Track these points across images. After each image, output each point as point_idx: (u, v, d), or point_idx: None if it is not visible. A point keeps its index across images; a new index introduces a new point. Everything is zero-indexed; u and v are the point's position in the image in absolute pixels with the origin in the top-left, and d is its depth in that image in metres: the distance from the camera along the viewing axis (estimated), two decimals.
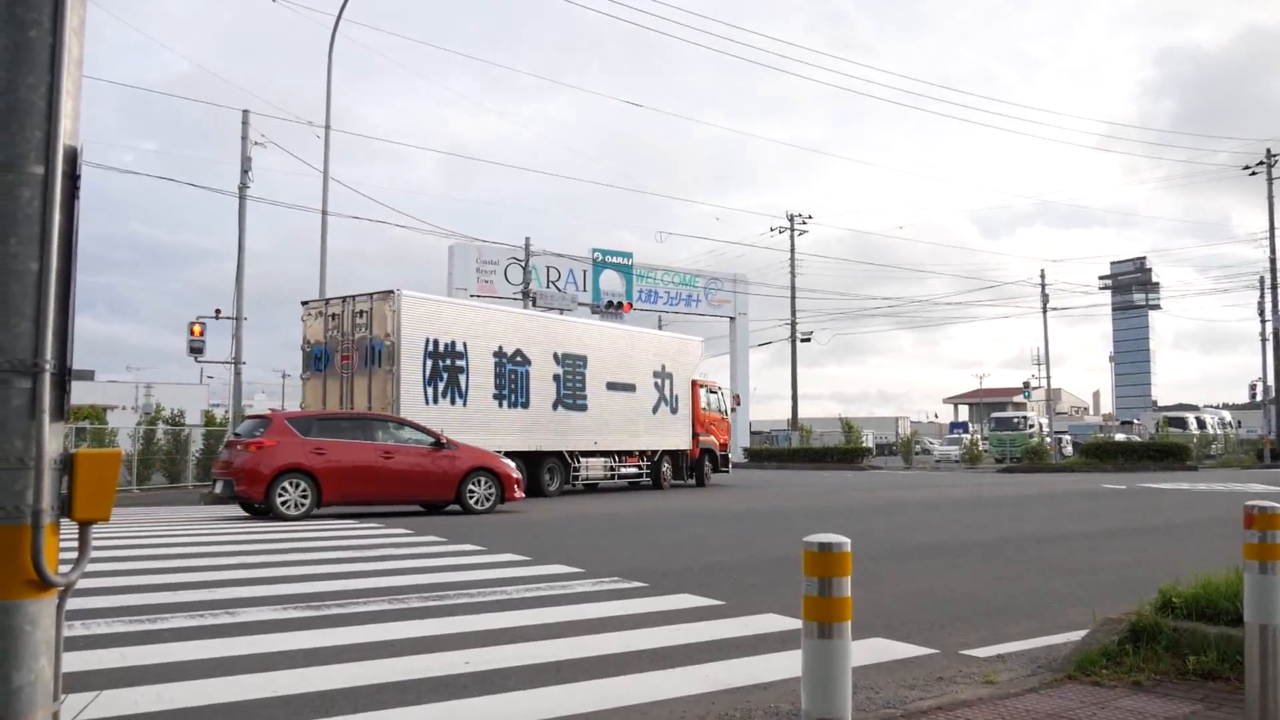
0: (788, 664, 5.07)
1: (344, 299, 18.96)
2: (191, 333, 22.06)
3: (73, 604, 6.78)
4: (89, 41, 2.25)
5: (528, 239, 34.51)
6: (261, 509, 14.40)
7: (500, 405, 19.91)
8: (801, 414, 50.80)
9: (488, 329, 19.89)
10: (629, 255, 41.74)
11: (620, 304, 40.79)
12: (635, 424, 23.10)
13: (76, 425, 25.79)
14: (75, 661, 5.04)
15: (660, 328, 53.50)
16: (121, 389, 63.16)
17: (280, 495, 14.20)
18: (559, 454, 21.16)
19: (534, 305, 34.92)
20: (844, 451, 42.67)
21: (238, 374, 22.60)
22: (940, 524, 13.78)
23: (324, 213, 22.91)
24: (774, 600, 7.12)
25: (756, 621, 6.43)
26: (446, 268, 37.77)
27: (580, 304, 39.90)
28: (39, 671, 2.03)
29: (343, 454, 14.78)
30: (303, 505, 14.35)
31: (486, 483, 15.86)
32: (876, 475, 34.15)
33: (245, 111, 22.38)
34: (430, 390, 18.44)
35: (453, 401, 18.87)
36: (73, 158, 2.12)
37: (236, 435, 16.04)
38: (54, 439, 2.07)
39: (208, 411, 35.40)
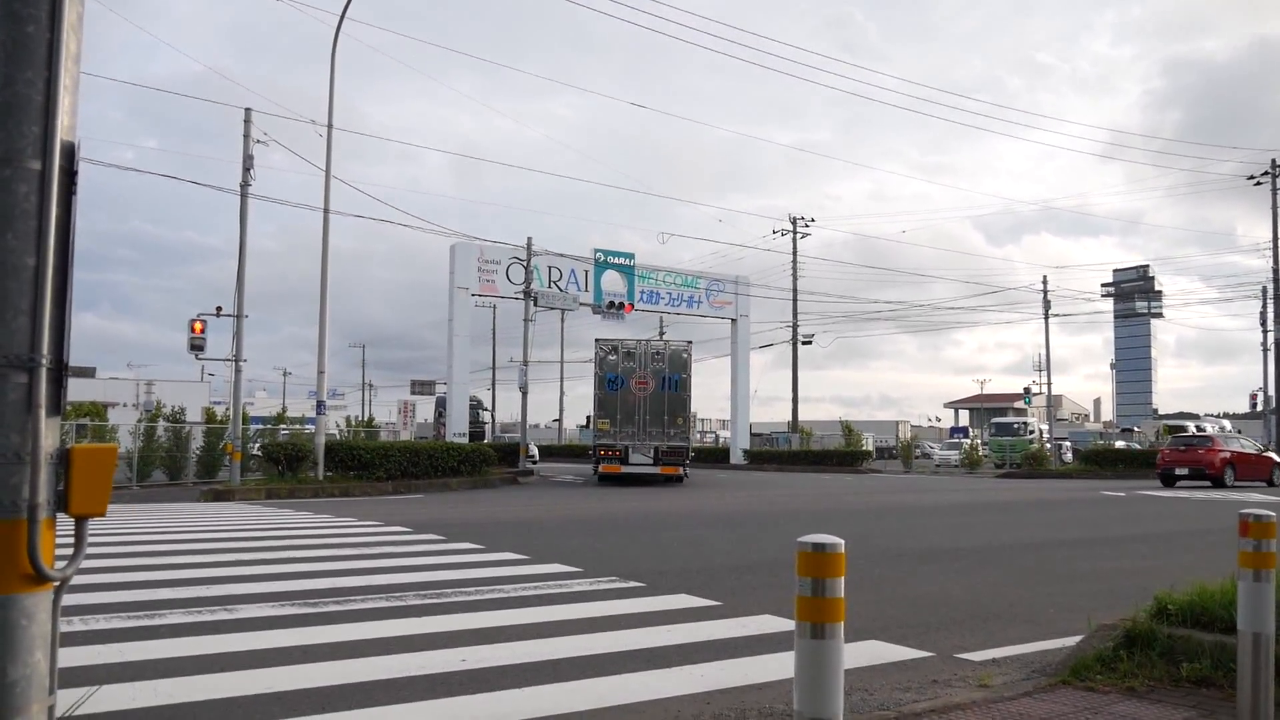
0: (783, 665, 5.08)
1: (637, 341, 27.90)
2: (192, 330, 22.04)
3: (72, 599, 6.80)
4: (89, 37, 2.26)
5: (529, 239, 34.40)
6: (1215, 483, 25.59)
7: None
8: (802, 416, 50.80)
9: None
10: (631, 256, 41.63)
11: (622, 304, 40.70)
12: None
13: (78, 422, 25.82)
14: (74, 656, 5.06)
15: (662, 329, 53.94)
16: (123, 386, 63.31)
17: (1227, 475, 25.68)
18: None
19: (535, 305, 34.88)
20: (844, 454, 42.61)
21: (238, 371, 22.58)
22: (938, 528, 13.77)
23: (326, 211, 22.87)
24: (771, 601, 7.12)
25: (753, 622, 6.44)
26: (448, 266, 37.72)
27: (582, 304, 39.79)
28: (34, 666, 2.04)
29: (1238, 454, 26.83)
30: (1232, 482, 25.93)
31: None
32: (876, 478, 34.13)
33: (247, 110, 22.35)
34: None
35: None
36: (70, 153, 2.13)
37: (1190, 444, 27.46)
38: (50, 434, 2.07)
39: (208, 409, 35.40)
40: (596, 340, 27.56)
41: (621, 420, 26.05)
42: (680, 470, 26.19)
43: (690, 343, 27.50)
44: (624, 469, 25.93)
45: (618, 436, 26.06)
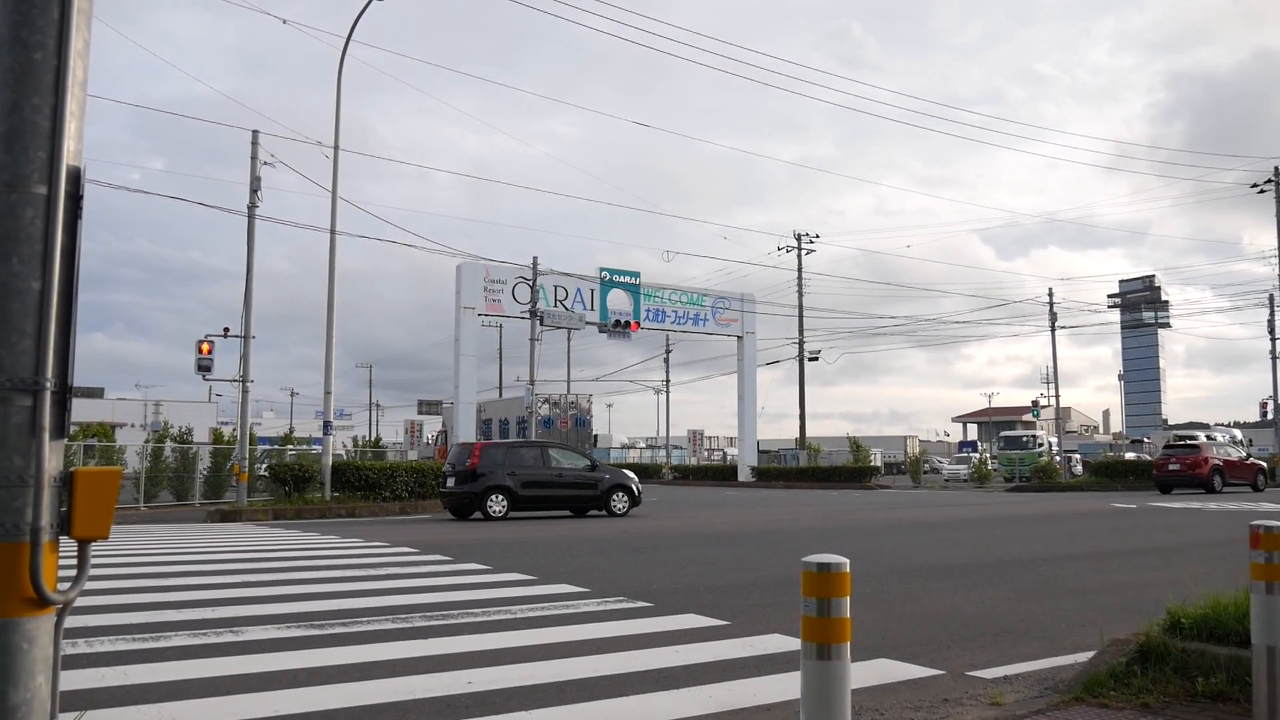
0: (792, 684, 5.03)
1: (561, 395, 45.86)
2: (200, 351, 22.09)
3: (77, 621, 6.79)
4: (94, 58, 2.27)
5: (535, 258, 34.47)
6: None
7: None
8: (811, 433, 50.65)
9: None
10: (636, 274, 41.72)
11: (628, 323, 40.76)
12: None
13: (85, 443, 25.90)
14: (79, 679, 5.04)
15: (668, 347, 54.67)
16: (130, 407, 63.49)
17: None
18: None
19: (541, 324, 34.91)
20: (851, 470, 42.50)
21: (245, 392, 22.61)
22: (947, 544, 13.70)
23: (332, 232, 22.97)
24: (779, 620, 7.08)
25: (761, 642, 6.40)
26: (455, 286, 37.82)
27: (588, 323, 39.85)
28: (35, 690, 2.03)
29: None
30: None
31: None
32: (884, 494, 34.00)
33: (254, 132, 22.50)
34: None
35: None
36: (76, 178, 2.14)
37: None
38: (54, 456, 2.08)
39: (216, 429, 35.47)
40: (534, 393, 40.84)
41: None
42: None
43: (590, 395, 47.24)
44: None
45: None
